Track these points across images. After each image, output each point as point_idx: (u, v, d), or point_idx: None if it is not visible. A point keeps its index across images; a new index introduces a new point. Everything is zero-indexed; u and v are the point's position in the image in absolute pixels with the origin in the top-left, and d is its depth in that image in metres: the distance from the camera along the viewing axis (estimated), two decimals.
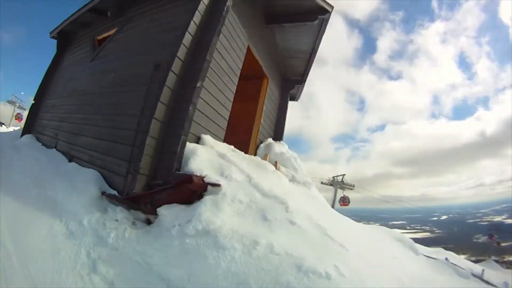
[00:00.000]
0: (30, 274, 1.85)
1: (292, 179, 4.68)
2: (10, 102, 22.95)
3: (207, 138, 3.40)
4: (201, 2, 3.25)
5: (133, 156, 2.81)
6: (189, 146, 2.99)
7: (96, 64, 4.35)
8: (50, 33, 5.63)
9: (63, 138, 4.10)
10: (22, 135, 5.09)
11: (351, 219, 5.38)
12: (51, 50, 6.38)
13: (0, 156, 3.70)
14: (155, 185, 2.71)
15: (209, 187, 2.56)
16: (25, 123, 5.54)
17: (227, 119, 4.05)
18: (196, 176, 2.57)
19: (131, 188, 2.68)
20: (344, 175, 21.59)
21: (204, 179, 2.59)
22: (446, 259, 5.31)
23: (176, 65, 3.03)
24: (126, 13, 4.31)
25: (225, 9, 3.37)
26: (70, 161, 3.52)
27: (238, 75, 4.26)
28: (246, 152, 4.43)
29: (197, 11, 3.20)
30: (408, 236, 5.89)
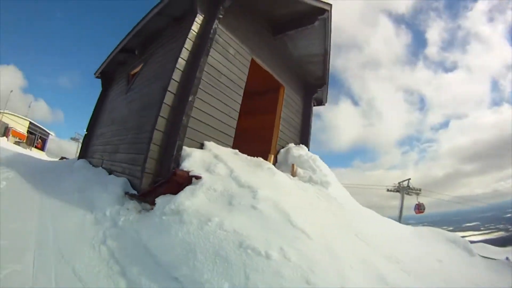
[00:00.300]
0: (58, 244, 2.77)
1: (309, 180, 4.98)
2: (73, 139, 28.31)
3: (209, 144, 4.11)
4: (191, 30, 4.11)
5: (144, 161, 3.72)
6: (186, 150, 3.73)
7: (129, 95, 5.63)
8: (94, 74, 7.48)
9: (106, 158, 5.41)
10: (77, 160, 6.76)
11: (423, 225, 5.38)
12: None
13: (57, 176, 5.20)
14: (158, 182, 3.51)
15: (194, 179, 3.20)
16: (80, 150, 7.26)
17: (234, 127, 4.72)
18: (181, 170, 3.25)
19: (142, 185, 3.55)
20: (409, 179, 20.97)
21: (190, 173, 3.25)
22: (507, 258, 5.26)
23: (172, 86, 3.89)
24: (149, 49, 5.56)
25: (211, 31, 4.17)
26: (109, 174, 4.68)
27: (243, 86, 4.93)
28: (266, 159, 5.02)
29: (187, 39, 4.07)
30: (482, 237, 5.66)
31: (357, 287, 2.09)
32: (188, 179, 3.19)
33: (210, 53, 4.20)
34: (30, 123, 25.61)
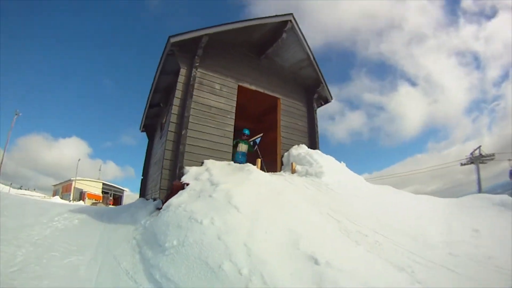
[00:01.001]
0: (109, 245, 4.90)
1: (306, 173, 6.36)
2: None
3: (207, 161, 6.02)
4: (178, 82, 6.28)
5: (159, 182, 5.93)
6: (186, 168, 5.72)
7: (162, 140, 8.15)
8: (139, 129, 10.44)
9: (152, 190, 7.91)
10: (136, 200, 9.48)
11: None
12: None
13: (118, 213, 7.85)
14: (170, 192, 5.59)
15: (185, 185, 5.13)
16: (140, 192, 10.01)
17: (231, 145, 6.59)
18: (177, 181, 5.25)
19: (161, 199, 5.70)
20: (479, 147, 20.86)
21: (182, 182, 5.21)
22: None
23: (171, 126, 6.04)
24: (169, 101, 8.05)
25: (191, 79, 6.28)
26: (154, 200, 7.05)
27: (233, 111, 6.79)
28: (275, 165, 6.77)
29: (177, 90, 6.25)
30: None
31: (261, 242, 3.33)
32: (181, 186, 5.15)
33: (195, 94, 6.29)
34: (103, 184, 32.59)
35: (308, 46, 7.54)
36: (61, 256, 4.05)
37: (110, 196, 32.16)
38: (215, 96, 6.68)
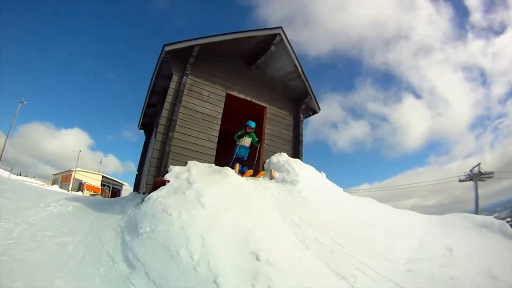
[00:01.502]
0: (98, 231, 5.90)
1: (283, 180, 7.22)
2: None
3: (191, 162, 6.91)
4: (170, 88, 7.23)
5: (146, 177, 6.93)
6: (171, 167, 6.63)
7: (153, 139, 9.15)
8: (137, 126, 11.46)
9: (143, 185, 8.93)
10: (130, 194, 10.52)
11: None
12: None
13: (111, 204, 8.85)
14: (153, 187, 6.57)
15: (167, 182, 6.08)
16: (134, 186, 11.03)
17: (215, 148, 7.48)
18: (159, 178, 6.23)
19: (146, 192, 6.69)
20: (479, 164, 21.67)
21: (164, 179, 6.17)
22: None
23: (160, 128, 6.98)
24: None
25: (181, 85, 7.24)
26: (143, 194, 8.05)
27: (219, 117, 7.68)
28: (256, 170, 7.71)
29: (168, 95, 7.21)
30: None
31: (215, 236, 4.12)
32: (163, 183, 6.07)
33: (184, 100, 7.21)
34: (103, 176, 34.03)
35: (296, 59, 8.40)
36: (53, 235, 4.88)
37: (109, 189, 33.62)
38: (203, 102, 7.59)
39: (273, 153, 8.34)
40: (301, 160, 8.50)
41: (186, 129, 7.24)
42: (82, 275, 3.83)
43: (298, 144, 8.86)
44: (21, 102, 27.06)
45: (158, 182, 6.16)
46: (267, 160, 8.14)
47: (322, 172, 8.14)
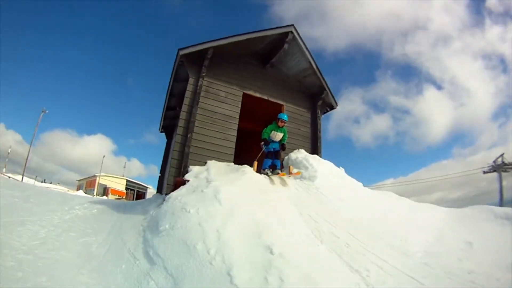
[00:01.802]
0: (120, 231, 6.31)
1: (301, 176, 7.52)
2: None
3: (210, 161, 7.24)
4: (187, 90, 7.66)
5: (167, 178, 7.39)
6: (190, 167, 7.04)
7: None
8: (159, 129, 12.02)
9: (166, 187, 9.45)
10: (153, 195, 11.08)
11: None
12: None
13: (134, 206, 9.39)
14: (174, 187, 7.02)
15: (186, 182, 6.50)
16: (157, 188, 11.59)
17: (233, 147, 7.79)
18: (179, 178, 6.65)
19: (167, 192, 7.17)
20: (502, 154, 21.49)
21: (184, 179, 6.60)
22: None
23: (179, 130, 7.37)
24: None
25: (198, 87, 7.65)
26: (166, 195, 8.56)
27: (237, 116, 7.99)
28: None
29: (185, 97, 7.64)
30: None
31: (231, 231, 4.33)
32: (183, 182, 6.48)
33: (201, 101, 7.58)
34: (127, 180, 35.22)
35: (310, 55, 8.57)
36: (77, 236, 5.26)
37: (134, 193, 34.95)
38: (220, 103, 7.93)
39: (292, 150, 8.51)
40: (320, 156, 8.65)
41: (204, 130, 7.59)
42: (104, 271, 4.11)
43: (317, 140, 9.03)
44: (43, 111, 28.75)
45: (178, 182, 6.57)
46: (286, 157, 8.35)
47: (341, 167, 8.29)
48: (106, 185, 32.63)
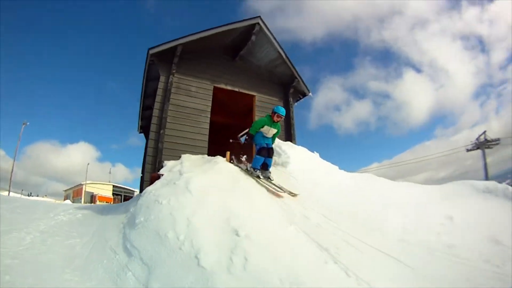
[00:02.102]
0: (103, 231, 6.66)
1: (274, 163, 7.98)
2: None
3: (184, 155, 7.60)
4: (158, 88, 8.08)
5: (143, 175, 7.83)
6: (165, 162, 7.42)
7: None
8: (137, 130, 12.38)
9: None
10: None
11: None
12: None
13: (117, 208, 9.70)
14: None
15: (161, 176, 6.95)
16: (139, 188, 11.99)
17: (207, 140, 8.19)
18: (154, 173, 7.09)
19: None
20: (485, 132, 22.92)
21: (159, 173, 7.05)
22: None
23: (153, 127, 7.77)
24: None
25: (168, 84, 8.04)
26: None
27: (209, 110, 8.40)
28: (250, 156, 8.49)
29: (157, 95, 8.03)
30: None
31: (200, 218, 4.68)
32: (158, 177, 6.91)
33: (172, 97, 7.93)
34: (114, 186, 35.56)
35: (279, 45, 8.97)
36: (62, 239, 5.44)
37: (121, 197, 35.19)
38: (191, 98, 8.30)
39: None
40: (294, 142, 9.11)
41: (177, 125, 7.98)
42: (87, 269, 4.34)
43: (290, 127, 9.49)
44: (24, 123, 28.86)
45: (153, 177, 6.99)
46: None
47: (315, 152, 8.78)
48: (93, 193, 32.88)
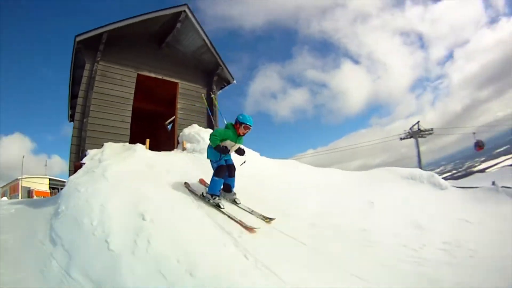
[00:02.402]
0: (34, 224, 7.64)
1: (193, 150, 8.91)
2: None
3: (106, 144, 8.23)
4: (83, 76, 8.47)
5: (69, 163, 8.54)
6: (88, 150, 8.17)
7: None
8: (67, 119, 12.67)
9: None
10: None
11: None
12: None
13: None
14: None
15: (83, 165, 7.73)
16: None
17: (129, 128, 8.89)
18: (77, 162, 7.83)
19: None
20: (418, 122, 25.20)
21: (81, 162, 7.83)
22: (493, 183, 6.80)
23: (77, 116, 8.34)
24: None
25: (93, 72, 8.54)
26: None
27: (131, 98, 9.04)
28: (173, 144, 9.38)
29: (82, 83, 8.47)
30: None
31: (113, 203, 5.25)
32: (80, 166, 7.73)
33: (96, 85, 8.45)
34: (50, 179, 34.59)
35: (204, 33, 9.74)
36: None
37: (58, 191, 33.86)
38: (116, 86, 8.90)
39: (186, 125, 9.90)
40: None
41: (101, 113, 8.61)
42: (19, 261, 4.47)
43: (212, 114, 10.45)
44: None
45: (76, 166, 7.71)
46: (180, 133, 9.70)
47: None
48: (30, 188, 31.61)
